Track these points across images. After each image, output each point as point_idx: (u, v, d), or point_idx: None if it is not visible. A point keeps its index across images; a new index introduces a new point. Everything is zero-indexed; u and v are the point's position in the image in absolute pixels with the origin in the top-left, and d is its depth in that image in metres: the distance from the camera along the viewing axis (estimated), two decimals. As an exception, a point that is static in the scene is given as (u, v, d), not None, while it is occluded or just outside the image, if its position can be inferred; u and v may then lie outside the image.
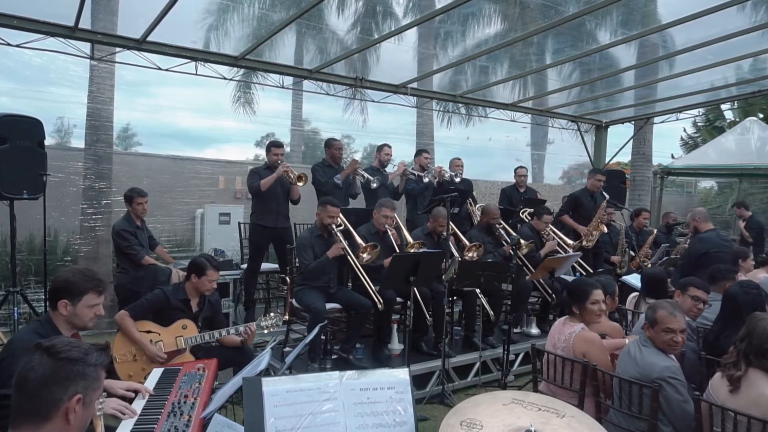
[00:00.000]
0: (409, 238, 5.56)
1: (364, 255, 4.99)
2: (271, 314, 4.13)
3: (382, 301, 4.90)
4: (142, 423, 2.50)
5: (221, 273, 5.57)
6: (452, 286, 5.29)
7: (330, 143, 6.58)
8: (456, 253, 5.78)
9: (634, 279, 6.05)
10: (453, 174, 6.93)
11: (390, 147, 6.89)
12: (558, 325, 3.69)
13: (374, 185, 6.32)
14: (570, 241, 6.78)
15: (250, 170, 6.19)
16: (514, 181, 8.10)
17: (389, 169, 6.87)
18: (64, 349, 1.64)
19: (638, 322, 4.09)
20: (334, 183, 6.21)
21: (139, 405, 2.64)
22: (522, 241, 6.04)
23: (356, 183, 6.59)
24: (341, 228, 5.14)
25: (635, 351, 3.13)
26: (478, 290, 5.51)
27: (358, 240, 5.12)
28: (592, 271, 6.49)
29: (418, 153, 7.24)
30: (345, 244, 4.97)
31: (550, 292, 6.03)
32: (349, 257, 5.01)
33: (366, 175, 6.38)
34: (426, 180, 6.77)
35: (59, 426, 1.61)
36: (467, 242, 5.93)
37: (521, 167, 8.07)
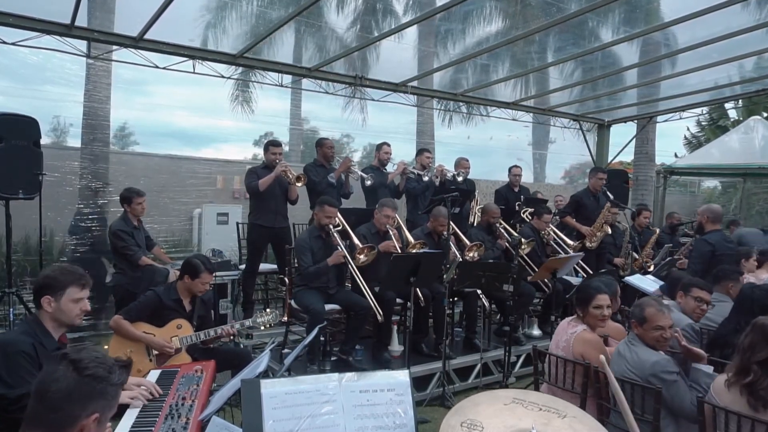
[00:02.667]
0: (410, 238, 5.50)
1: (361, 257, 4.95)
2: (267, 310, 4.08)
3: (381, 312, 4.86)
4: (139, 425, 2.48)
5: (219, 274, 5.56)
6: (453, 287, 5.24)
7: (321, 142, 6.53)
8: (457, 254, 5.71)
9: (637, 280, 5.99)
10: (456, 173, 6.87)
11: (389, 145, 6.84)
12: (563, 325, 3.66)
13: (368, 182, 6.26)
14: (571, 242, 6.72)
15: (248, 170, 6.13)
16: (508, 180, 8.02)
17: (389, 168, 6.81)
18: (91, 365, 1.62)
19: None
20: (328, 182, 6.15)
21: (133, 411, 2.61)
22: (522, 240, 6.00)
23: (348, 182, 6.52)
24: (339, 228, 5.08)
25: (625, 350, 3.14)
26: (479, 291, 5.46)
27: (356, 241, 5.07)
28: (592, 272, 6.44)
29: (420, 152, 7.17)
30: (345, 251, 4.93)
31: (551, 286, 5.95)
32: (348, 263, 4.95)
33: (360, 172, 6.31)
34: (426, 179, 6.70)
35: None
36: (468, 242, 5.87)
37: (516, 166, 8.01)
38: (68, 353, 1.65)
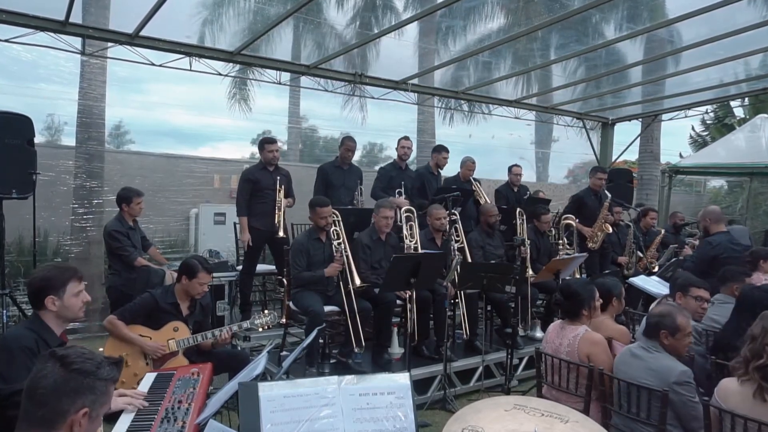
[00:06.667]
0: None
1: (358, 282, 4.86)
2: (266, 312, 4.00)
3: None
4: (135, 429, 2.46)
5: (216, 275, 5.46)
6: (454, 288, 5.15)
7: (343, 141, 6.46)
8: (458, 254, 5.62)
9: (642, 281, 5.91)
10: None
11: (408, 140, 6.76)
12: (556, 329, 3.58)
13: None
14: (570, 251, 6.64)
15: (242, 174, 6.03)
16: (508, 179, 7.90)
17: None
18: (78, 360, 1.66)
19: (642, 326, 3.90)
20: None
21: (128, 415, 2.57)
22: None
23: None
24: (340, 244, 4.99)
25: (643, 354, 3.07)
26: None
27: (356, 278, 4.90)
28: (597, 271, 6.36)
29: (438, 150, 6.96)
30: (344, 257, 4.85)
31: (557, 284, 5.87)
32: (346, 266, 4.87)
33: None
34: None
35: None
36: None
37: (516, 165, 7.87)
38: (55, 351, 1.68)
